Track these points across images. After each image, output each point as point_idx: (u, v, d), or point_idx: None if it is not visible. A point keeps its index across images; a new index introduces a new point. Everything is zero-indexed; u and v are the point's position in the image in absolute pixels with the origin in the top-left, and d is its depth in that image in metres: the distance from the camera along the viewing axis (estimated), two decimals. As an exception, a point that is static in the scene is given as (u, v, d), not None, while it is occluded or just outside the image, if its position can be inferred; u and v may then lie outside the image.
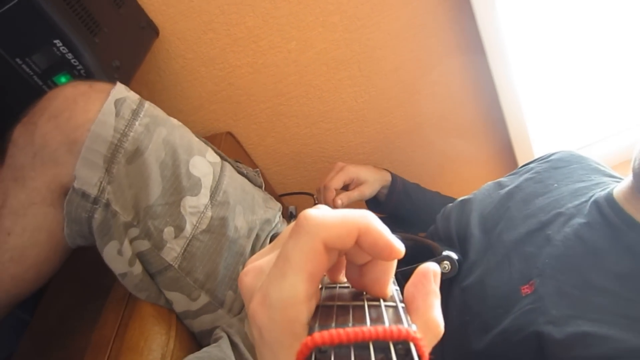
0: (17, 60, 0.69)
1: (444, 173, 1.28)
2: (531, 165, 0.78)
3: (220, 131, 1.13)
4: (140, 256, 0.66)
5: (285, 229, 0.27)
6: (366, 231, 0.23)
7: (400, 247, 0.23)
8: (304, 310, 0.22)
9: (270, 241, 0.78)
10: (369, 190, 0.89)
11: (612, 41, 1.15)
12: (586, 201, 0.62)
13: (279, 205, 0.85)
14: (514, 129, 1.12)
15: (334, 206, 0.87)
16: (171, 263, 0.67)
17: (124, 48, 0.81)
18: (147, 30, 0.92)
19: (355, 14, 1.00)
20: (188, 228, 0.67)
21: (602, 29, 1.12)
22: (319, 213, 0.23)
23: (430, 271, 0.25)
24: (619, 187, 0.59)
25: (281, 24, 1.00)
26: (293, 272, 0.22)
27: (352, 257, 0.25)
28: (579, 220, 0.59)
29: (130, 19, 0.86)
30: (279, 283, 0.22)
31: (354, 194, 0.88)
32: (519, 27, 1.09)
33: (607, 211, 0.57)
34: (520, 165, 1.13)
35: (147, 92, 1.06)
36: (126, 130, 0.61)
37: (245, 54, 1.03)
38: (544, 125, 1.23)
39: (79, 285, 0.87)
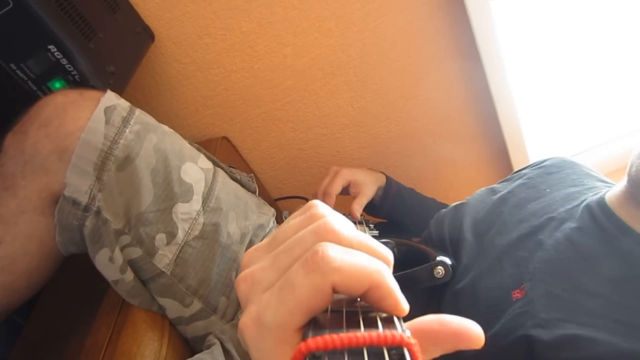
0: (12, 65, 0.69)
1: (440, 178, 1.29)
2: (524, 172, 0.79)
3: (216, 136, 1.13)
4: (131, 263, 0.66)
5: (285, 225, 0.26)
6: (377, 287, 0.23)
7: (405, 307, 0.23)
8: (295, 336, 0.22)
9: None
10: (370, 191, 0.89)
11: (607, 48, 1.15)
12: (578, 205, 0.62)
13: (272, 210, 0.85)
14: (509, 134, 1.13)
15: (354, 219, 0.86)
16: (163, 270, 0.67)
17: (119, 53, 0.81)
18: (143, 36, 0.92)
19: (351, 20, 1.00)
20: (180, 234, 0.67)
21: (597, 37, 1.13)
22: (338, 256, 0.22)
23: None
24: (612, 192, 0.59)
25: (277, 29, 1.00)
26: (294, 303, 0.22)
27: None
28: (570, 224, 0.59)
29: (125, 24, 0.86)
30: (277, 308, 0.22)
31: (362, 200, 0.88)
32: (515, 34, 1.09)
33: (599, 216, 0.57)
34: (515, 169, 1.14)
35: (143, 97, 1.06)
36: (116, 137, 0.62)
37: (241, 58, 1.03)
38: (540, 131, 1.23)
39: (72, 290, 0.87)
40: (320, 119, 1.15)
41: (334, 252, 0.22)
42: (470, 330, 0.24)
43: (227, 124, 1.13)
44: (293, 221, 0.26)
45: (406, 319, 0.25)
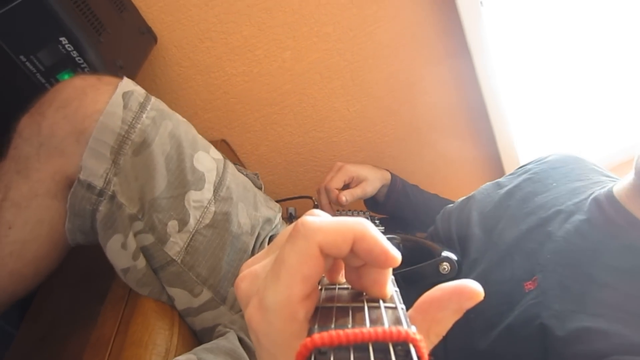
0: (21, 57, 0.69)
1: (435, 181, 1.31)
2: (529, 167, 0.79)
3: (215, 139, 1.14)
4: (143, 250, 0.65)
5: (282, 232, 0.27)
6: (362, 238, 0.23)
7: (396, 255, 0.23)
8: (300, 310, 0.23)
9: (269, 242, 0.78)
10: (370, 187, 0.91)
11: (597, 50, 1.20)
12: (585, 199, 0.62)
13: (278, 206, 0.85)
14: (500, 135, 1.17)
15: (338, 203, 0.88)
16: (174, 258, 0.66)
17: (126, 50, 0.82)
18: (147, 36, 0.94)
19: (348, 25, 1.04)
20: (192, 222, 0.67)
21: (587, 41, 1.18)
22: (315, 219, 0.23)
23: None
24: (619, 185, 0.59)
25: (276, 33, 1.03)
26: (288, 274, 0.22)
27: (349, 260, 0.25)
28: (579, 217, 0.60)
29: (131, 23, 0.88)
30: (275, 286, 0.23)
31: (357, 191, 0.89)
32: (506, 38, 1.14)
33: (608, 208, 0.58)
34: (507, 170, 1.17)
35: (143, 100, 1.06)
36: (134, 122, 0.62)
37: (240, 62, 1.05)
38: (531, 134, 1.28)
39: (69, 293, 0.85)
40: (317, 123, 1.17)
41: (312, 218, 0.23)
42: (467, 285, 0.24)
43: (225, 127, 1.14)
44: (284, 230, 0.27)
45: None
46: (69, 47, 0.69)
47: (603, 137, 1.33)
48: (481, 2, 1.01)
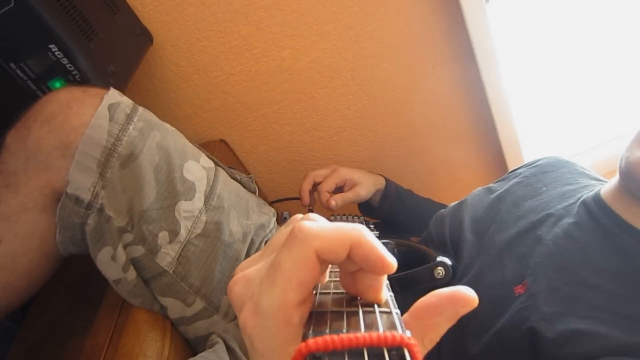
0: (12, 65, 0.68)
1: (436, 181, 1.30)
2: (519, 171, 0.81)
3: (213, 139, 1.13)
4: (134, 262, 0.65)
5: (276, 235, 0.27)
6: (358, 244, 0.23)
7: (392, 262, 0.23)
8: (295, 315, 0.22)
9: (264, 247, 0.77)
10: (364, 192, 0.90)
11: (601, 50, 1.17)
12: (574, 202, 0.64)
13: (273, 210, 0.85)
14: (504, 137, 1.14)
15: (327, 207, 0.87)
16: (166, 268, 0.66)
17: (119, 54, 0.81)
18: (142, 38, 0.92)
19: (348, 23, 1.01)
20: (183, 233, 0.66)
21: (591, 40, 1.15)
22: (313, 224, 0.23)
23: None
24: (606, 187, 0.61)
25: (275, 32, 1.01)
26: (284, 279, 0.22)
27: (344, 265, 0.25)
28: (568, 220, 0.61)
29: (125, 25, 0.86)
30: (270, 290, 0.22)
31: (349, 195, 0.88)
32: (510, 37, 1.11)
33: (595, 211, 0.59)
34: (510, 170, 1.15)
35: (140, 100, 1.04)
36: (120, 134, 0.61)
37: (239, 61, 1.04)
38: (535, 133, 1.25)
39: (68, 295, 0.86)
40: (317, 122, 1.15)
41: (309, 223, 0.23)
42: (462, 292, 0.25)
43: (224, 127, 1.13)
44: (279, 233, 0.27)
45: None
46: (59, 54, 0.68)
47: (609, 140, 1.30)
48: (486, 0, 0.98)
